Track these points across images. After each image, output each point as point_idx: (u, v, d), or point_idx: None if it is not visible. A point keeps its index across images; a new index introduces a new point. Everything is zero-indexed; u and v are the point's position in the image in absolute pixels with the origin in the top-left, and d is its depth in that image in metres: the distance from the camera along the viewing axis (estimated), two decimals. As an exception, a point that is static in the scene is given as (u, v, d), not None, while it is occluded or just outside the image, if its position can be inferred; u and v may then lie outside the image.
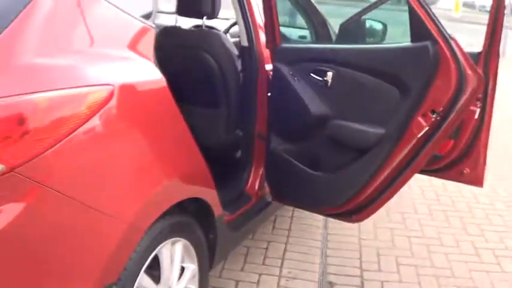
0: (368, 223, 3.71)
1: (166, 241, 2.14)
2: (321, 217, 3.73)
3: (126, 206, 1.89)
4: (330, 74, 2.64)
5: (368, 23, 3.57)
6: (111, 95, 1.79)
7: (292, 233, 3.61)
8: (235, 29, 3.68)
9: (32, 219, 1.61)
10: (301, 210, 3.47)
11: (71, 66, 1.75)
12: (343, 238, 3.63)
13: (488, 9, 2.82)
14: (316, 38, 3.91)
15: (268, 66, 2.94)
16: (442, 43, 2.31)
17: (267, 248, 3.39)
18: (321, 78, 2.67)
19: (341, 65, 2.63)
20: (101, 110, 1.75)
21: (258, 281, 3.07)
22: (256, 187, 3.04)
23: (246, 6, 2.91)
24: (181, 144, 2.22)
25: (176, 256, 2.24)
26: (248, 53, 2.93)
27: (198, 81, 2.98)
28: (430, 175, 3.23)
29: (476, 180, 3.02)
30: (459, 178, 3.08)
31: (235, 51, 3.01)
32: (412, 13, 2.37)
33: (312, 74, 2.69)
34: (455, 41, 2.33)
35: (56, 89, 1.65)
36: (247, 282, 3.03)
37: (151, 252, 2.06)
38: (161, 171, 2.07)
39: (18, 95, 1.57)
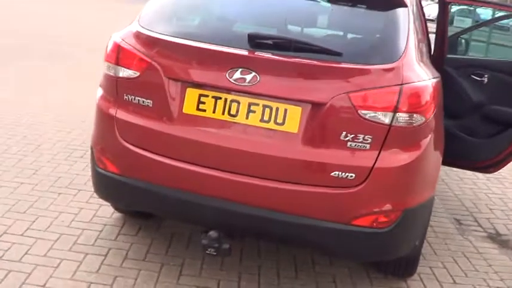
0: (455, 187, 5.24)
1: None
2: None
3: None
4: (486, 76, 4.10)
5: (459, 40, 5.08)
6: (436, 85, 3.11)
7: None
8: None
9: (430, 147, 2.92)
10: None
11: (426, 69, 3.06)
12: (442, 194, 5.10)
13: None
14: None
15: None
16: None
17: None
18: (479, 78, 4.13)
19: (494, 70, 4.11)
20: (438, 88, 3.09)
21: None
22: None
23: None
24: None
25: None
26: None
27: None
28: None
29: None
30: None
31: None
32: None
33: (472, 76, 4.15)
34: None
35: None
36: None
37: None
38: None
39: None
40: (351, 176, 2.73)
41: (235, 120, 2.81)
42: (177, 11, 3.24)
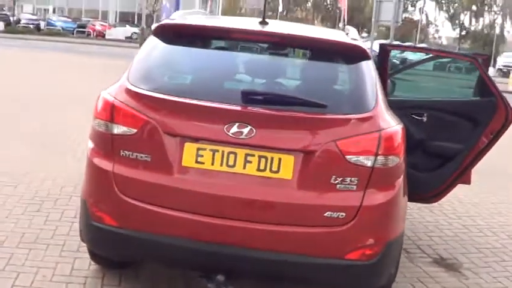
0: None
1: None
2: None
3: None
4: (425, 115, 4.59)
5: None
6: (403, 129, 3.48)
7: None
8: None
9: (403, 184, 3.31)
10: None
11: (392, 115, 3.43)
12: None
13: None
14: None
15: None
16: (499, 98, 4.39)
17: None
18: (419, 118, 4.60)
19: (432, 110, 4.61)
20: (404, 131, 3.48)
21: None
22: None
23: None
24: None
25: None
26: None
27: None
28: None
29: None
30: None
31: None
32: (483, 82, 4.44)
33: (412, 115, 4.62)
34: (506, 98, 4.43)
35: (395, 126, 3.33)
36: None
37: None
38: None
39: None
40: (342, 215, 3.04)
41: (233, 171, 3.05)
42: (168, 68, 3.46)
